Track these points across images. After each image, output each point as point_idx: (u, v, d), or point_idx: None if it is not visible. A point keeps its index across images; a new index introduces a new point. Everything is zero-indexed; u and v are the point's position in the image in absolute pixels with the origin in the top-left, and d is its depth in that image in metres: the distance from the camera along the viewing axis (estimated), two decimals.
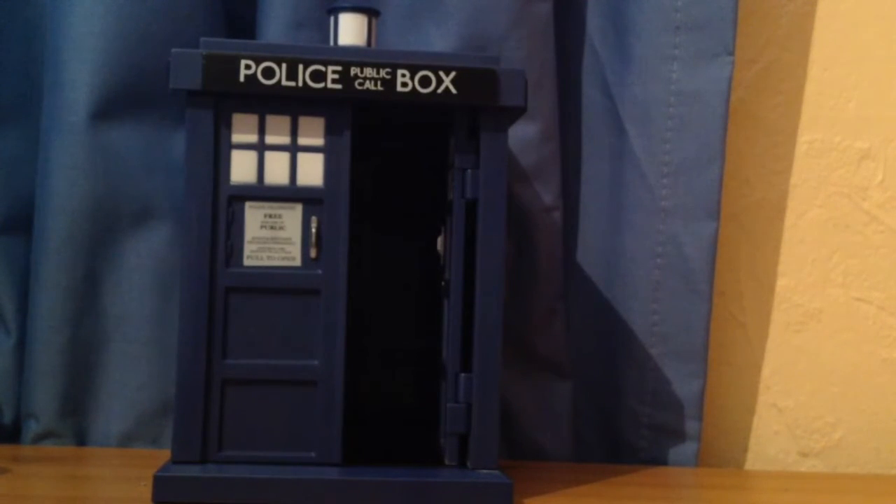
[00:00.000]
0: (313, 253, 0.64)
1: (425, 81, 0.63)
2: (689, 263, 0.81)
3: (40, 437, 0.79)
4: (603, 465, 0.80)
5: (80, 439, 0.80)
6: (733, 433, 0.86)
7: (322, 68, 0.62)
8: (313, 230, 0.64)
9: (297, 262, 0.64)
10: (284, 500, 0.60)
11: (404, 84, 0.63)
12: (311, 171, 0.64)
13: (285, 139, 0.64)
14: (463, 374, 0.64)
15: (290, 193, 0.64)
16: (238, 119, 0.63)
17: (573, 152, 0.84)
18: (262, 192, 0.63)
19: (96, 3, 0.77)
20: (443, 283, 0.68)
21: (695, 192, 0.80)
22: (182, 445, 0.62)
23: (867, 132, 0.86)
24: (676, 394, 0.81)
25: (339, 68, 0.63)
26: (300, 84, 0.62)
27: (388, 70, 0.63)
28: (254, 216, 0.63)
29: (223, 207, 0.63)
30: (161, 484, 0.60)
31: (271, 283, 0.63)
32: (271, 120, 0.64)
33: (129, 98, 0.78)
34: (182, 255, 0.63)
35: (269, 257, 0.64)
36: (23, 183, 0.81)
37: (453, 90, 0.63)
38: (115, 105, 0.78)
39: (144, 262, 0.80)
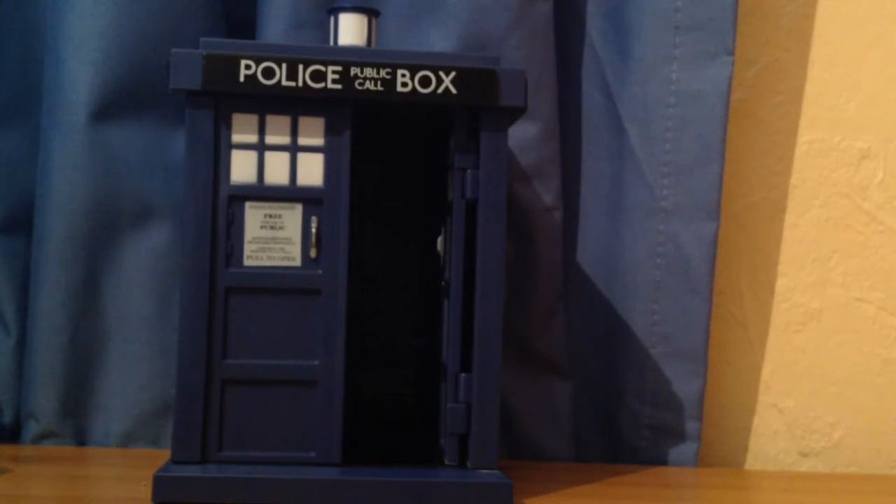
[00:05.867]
0: (313, 253, 0.64)
1: (425, 81, 0.63)
2: (689, 263, 0.81)
3: (40, 437, 0.79)
4: (603, 465, 0.80)
5: (80, 439, 0.80)
6: (733, 433, 0.86)
7: (322, 68, 0.62)
8: (313, 230, 0.64)
9: (297, 262, 0.64)
10: (284, 500, 0.60)
11: (404, 84, 0.63)
12: (311, 171, 0.64)
13: (285, 139, 0.64)
14: (463, 374, 0.64)
15: (290, 193, 0.64)
16: (238, 119, 0.63)
17: (573, 152, 0.84)
18: (262, 192, 0.63)
19: (96, 3, 0.77)
20: (443, 283, 0.68)
21: (695, 192, 0.80)
22: (182, 445, 0.62)
23: (867, 132, 0.86)
24: (676, 394, 0.81)
25: (339, 68, 0.63)
26: (300, 84, 0.62)
27: (388, 70, 0.63)
28: (254, 216, 0.63)
29: (223, 207, 0.63)
30: (161, 484, 0.60)
31: (271, 283, 0.63)
32: (271, 120, 0.64)
33: (129, 98, 0.78)
34: (182, 255, 0.63)
35: (269, 257, 0.64)
36: (23, 183, 0.81)
37: (453, 90, 0.63)
38: (115, 105, 0.78)
39: (144, 262, 0.80)
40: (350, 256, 0.64)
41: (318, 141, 0.64)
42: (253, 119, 0.64)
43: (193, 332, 0.62)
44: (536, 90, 0.77)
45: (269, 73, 0.62)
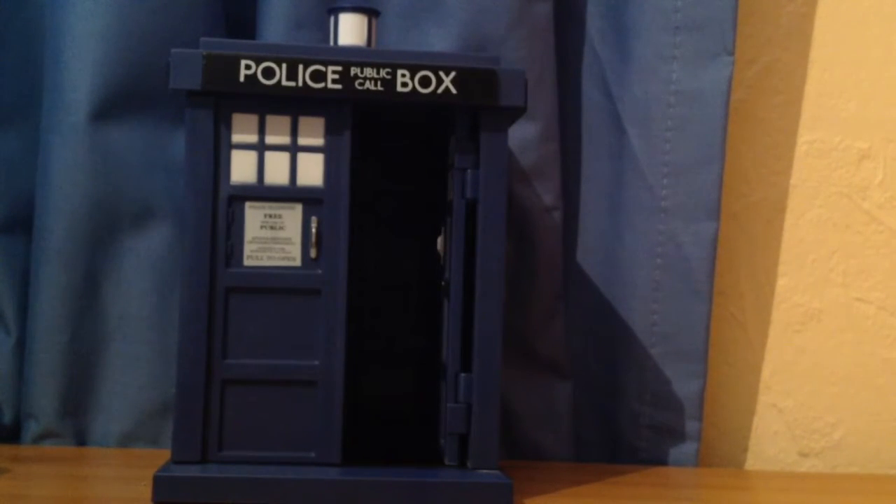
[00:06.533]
0: (313, 253, 0.64)
1: (425, 81, 0.63)
2: (689, 263, 0.81)
3: (40, 437, 0.79)
4: (603, 465, 0.80)
5: (80, 439, 0.80)
6: (733, 433, 0.86)
7: (322, 68, 0.62)
8: (313, 230, 0.64)
9: (297, 262, 0.64)
10: (284, 500, 0.60)
11: (404, 84, 0.63)
12: (311, 171, 0.64)
13: (285, 139, 0.64)
14: (463, 374, 0.64)
15: (290, 193, 0.64)
16: (238, 119, 0.63)
17: (573, 152, 0.84)
18: (262, 192, 0.63)
19: (96, 3, 0.77)
20: (443, 283, 0.68)
21: (695, 192, 0.80)
22: (182, 445, 0.62)
23: (867, 132, 0.86)
24: (676, 394, 0.81)
25: (339, 68, 0.63)
26: (300, 84, 0.62)
27: (388, 70, 0.63)
28: (254, 216, 0.63)
29: (223, 207, 0.63)
30: (161, 484, 0.60)
31: (271, 283, 0.63)
32: (271, 120, 0.64)
33: (129, 98, 0.78)
34: (182, 255, 0.63)
35: (269, 257, 0.64)
36: (23, 183, 0.81)
37: (453, 90, 0.63)
38: (115, 105, 0.78)
39: (144, 262, 0.80)
40: (350, 256, 0.64)
41: (318, 141, 0.64)
42: (253, 119, 0.64)
43: (193, 332, 0.62)
44: (536, 90, 0.77)
45: (269, 73, 0.62)
